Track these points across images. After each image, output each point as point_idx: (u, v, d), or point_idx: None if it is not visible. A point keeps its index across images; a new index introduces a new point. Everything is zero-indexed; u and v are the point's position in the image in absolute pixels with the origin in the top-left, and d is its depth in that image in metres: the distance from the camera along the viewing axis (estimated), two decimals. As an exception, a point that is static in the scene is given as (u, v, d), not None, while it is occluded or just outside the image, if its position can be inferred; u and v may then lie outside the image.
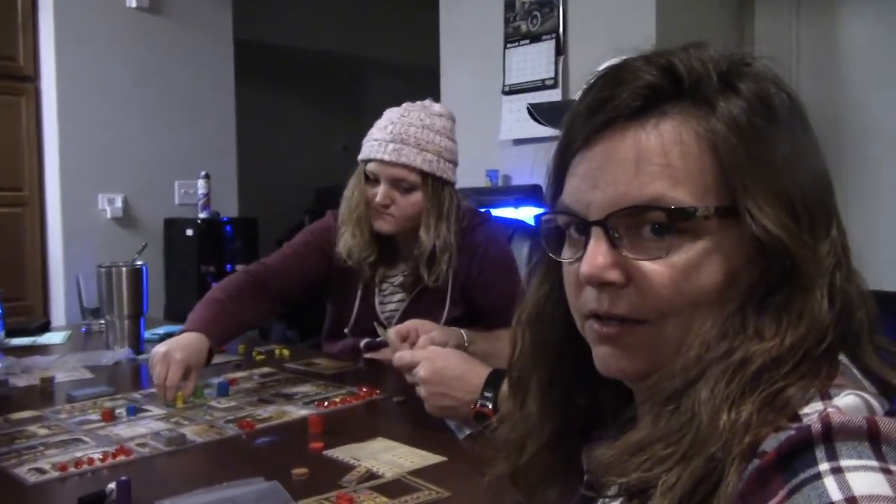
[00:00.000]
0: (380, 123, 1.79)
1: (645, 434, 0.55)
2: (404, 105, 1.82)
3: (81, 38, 3.98)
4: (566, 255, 0.63)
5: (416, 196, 1.75)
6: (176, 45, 4.29)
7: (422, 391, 1.25)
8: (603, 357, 0.61)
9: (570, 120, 0.63)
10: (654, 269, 0.57)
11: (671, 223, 0.56)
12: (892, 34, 3.00)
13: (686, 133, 0.57)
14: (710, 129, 0.57)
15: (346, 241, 1.79)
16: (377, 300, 1.86)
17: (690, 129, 0.57)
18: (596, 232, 0.58)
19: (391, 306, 1.86)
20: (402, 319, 1.71)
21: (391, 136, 1.74)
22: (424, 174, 1.74)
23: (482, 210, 2.08)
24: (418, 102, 1.84)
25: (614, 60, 1.44)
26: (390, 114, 1.80)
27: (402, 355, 1.30)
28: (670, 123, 0.57)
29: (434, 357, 1.27)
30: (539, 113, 1.35)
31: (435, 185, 1.76)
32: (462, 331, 1.54)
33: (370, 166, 1.76)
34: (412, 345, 1.40)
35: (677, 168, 0.56)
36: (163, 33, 4.24)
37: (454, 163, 1.82)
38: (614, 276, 0.58)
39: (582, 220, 0.60)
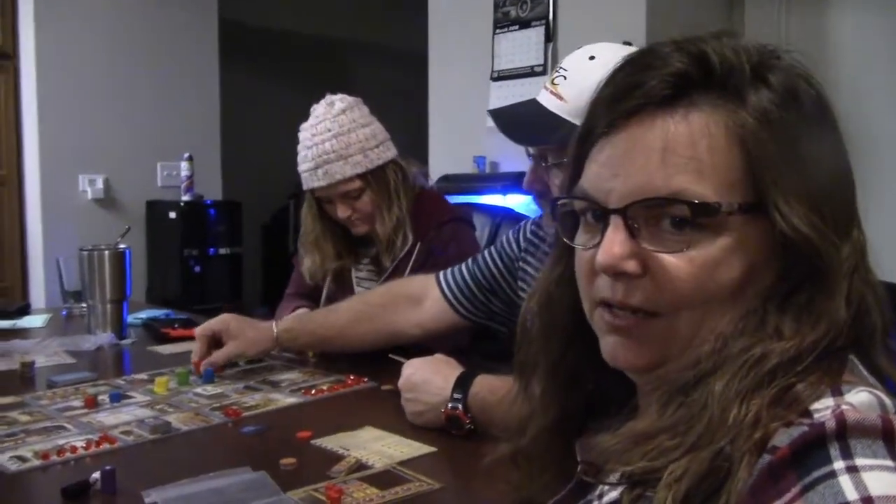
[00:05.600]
0: (300, 150, 1.87)
1: (651, 423, 0.54)
2: (311, 117, 1.88)
3: (62, 16, 3.91)
4: (580, 240, 0.62)
5: (367, 195, 1.85)
6: (159, 24, 4.23)
7: (402, 399, 1.27)
8: (612, 347, 0.60)
9: (594, 106, 0.61)
10: (673, 262, 0.56)
11: (693, 218, 0.55)
12: (880, 27, 3.00)
13: (715, 125, 0.55)
14: (740, 122, 0.56)
15: (308, 267, 1.95)
16: (354, 283, 1.96)
17: (720, 121, 0.56)
18: (615, 221, 0.57)
19: (361, 290, 1.94)
20: None
21: (314, 162, 1.83)
22: (361, 176, 1.83)
23: (463, 202, 2.14)
24: (322, 104, 1.89)
25: (590, 46, 1.40)
26: (303, 136, 1.87)
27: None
28: (699, 114, 0.56)
29: (413, 362, 1.29)
30: (515, 125, 1.30)
31: (376, 177, 1.85)
32: (274, 327, 1.59)
33: (316, 193, 1.88)
34: (217, 347, 1.53)
35: (704, 161, 0.55)
36: (146, 12, 4.18)
37: (380, 141, 1.88)
38: (631, 266, 0.56)
39: (601, 207, 0.58)
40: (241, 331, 1.56)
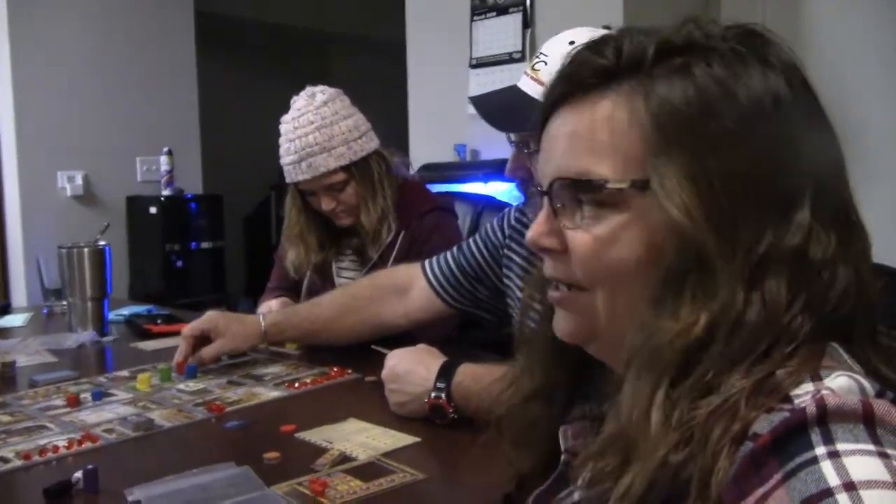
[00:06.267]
0: (282, 143, 1.86)
1: (597, 441, 0.57)
2: (292, 109, 1.87)
3: (36, 9, 3.85)
4: None
5: (352, 187, 1.84)
6: (136, 17, 4.19)
7: (385, 390, 1.28)
8: (555, 319, 0.66)
9: (544, 97, 0.66)
10: (576, 237, 0.60)
11: (592, 195, 0.59)
12: (857, 15, 3.02)
13: (619, 110, 0.58)
14: (640, 107, 0.57)
15: (292, 260, 1.95)
16: (335, 273, 1.96)
17: (624, 106, 0.58)
18: (545, 201, 0.63)
19: (344, 281, 1.94)
20: None
21: (297, 155, 1.82)
22: (345, 168, 1.82)
23: (444, 191, 2.14)
24: (302, 96, 1.88)
25: (569, 32, 1.41)
26: (285, 129, 1.86)
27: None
28: (607, 101, 0.59)
29: (396, 352, 1.30)
30: (493, 114, 1.32)
31: (360, 168, 1.84)
32: (261, 321, 1.59)
33: (300, 186, 1.87)
34: (206, 344, 1.53)
35: (603, 143, 0.58)
36: (122, 6, 4.14)
37: (362, 132, 1.87)
38: (550, 242, 0.62)
39: (539, 189, 0.64)
40: (228, 327, 1.55)
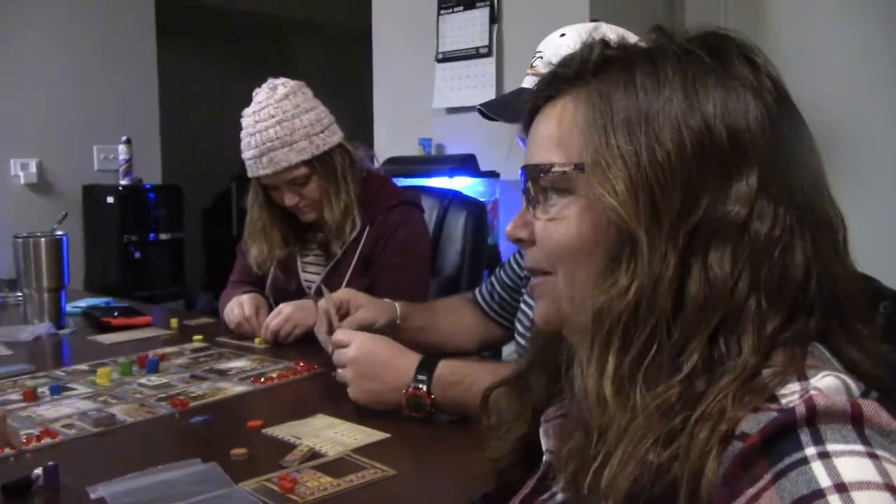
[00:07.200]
0: (243, 137, 1.82)
1: (572, 441, 0.59)
2: (253, 102, 1.84)
3: (-11, -7, 3.74)
4: None
5: (314, 181, 1.82)
6: (94, 1, 4.09)
7: (348, 373, 1.23)
8: (534, 309, 0.70)
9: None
10: (539, 224, 0.65)
11: (548, 180, 0.63)
12: (818, 17, 3.08)
13: (567, 106, 0.64)
14: (583, 99, 0.63)
15: (255, 256, 1.91)
16: (300, 268, 1.93)
17: (571, 103, 0.64)
18: (523, 198, 0.67)
19: (309, 276, 1.92)
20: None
21: (258, 149, 1.78)
22: (307, 162, 1.79)
23: (410, 185, 2.12)
24: (264, 89, 1.84)
25: (570, 28, 1.50)
26: (246, 122, 1.82)
27: (338, 333, 1.28)
28: (560, 101, 0.65)
29: (367, 338, 1.26)
30: (492, 110, 1.40)
31: (322, 162, 1.82)
32: (396, 304, 1.52)
33: (262, 181, 1.84)
34: (343, 317, 1.42)
35: (554, 136, 0.64)
36: (79, -11, 4.03)
37: (325, 126, 1.84)
38: (522, 233, 0.67)
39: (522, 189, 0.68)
40: (369, 300, 1.49)
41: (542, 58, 1.37)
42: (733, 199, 0.55)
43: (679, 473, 0.49)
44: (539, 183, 0.64)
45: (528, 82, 1.38)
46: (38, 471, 0.96)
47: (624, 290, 0.56)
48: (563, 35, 1.37)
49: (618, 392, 0.54)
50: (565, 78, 0.65)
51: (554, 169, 0.62)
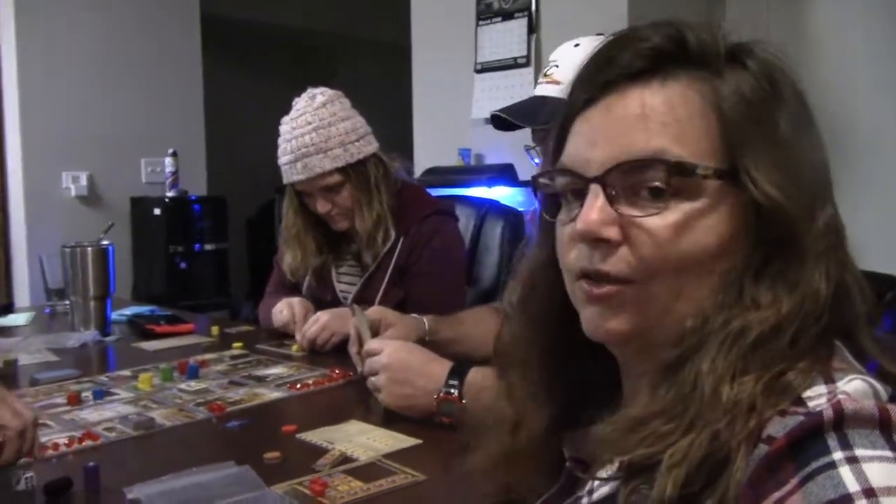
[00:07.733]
0: (280, 143, 1.85)
1: (644, 407, 0.54)
2: (292, 110, 1.87)
3: (42, 10, 3.87)
4: (561, 216, 0.62)
5: (347, 189, 1.83)
6: (141, 18, 4.20)
7: (381, 379, 1.24)
8: (590, 318, 0.59)
9: (573, 84, 0.62)
10: (650, 225, 0.56)
11: (670, 179, 0.55)
12: (860, 23, 3.02)
13: (693, 93, 0.57)
14: (717, 93, 0.56)
15: (289, 263, 1.92)
16: (335, 279, 1.94)
17: (697, 90, 0.57)
18: (594, 189, 0.57)
19: (343, 287, 1.93)
20: (357, 300, 1.80)
21: (293, 154, 1.81)
22: (341, 169, 1.80)
23: (448, 195, 2.13)
24: (303, 97, 1.87)
25: (584, 39, 1.52)
26: (284, 129, 1.85)
27: (371, 342, 1.31)
28: (676, 84, 0.57)
29: (400, 345, 1.28)
30: (510, 114, 1.41)
31: (356, 170, 1.83)
32: (424, 319, 1.53)
33: (296, 187, 1.86)
34: (373, 336, 1.42)
35: (683, 125, 0.56)
36: (128, 7, 4.14)
37: (360, 135, 1.86)
38: (610, 232, 0.56)
39: (580, 176, 0.58)
40: (398, 318, 1.51)
41: (557, 66, 1.38)
42: (827, 221, 0.56)
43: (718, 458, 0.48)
44: (636, 177, 0.56)
45: (541, 89, 1.40)
46: (79, 472, 0.99)
47: (775, 306, 0.52)
48: (577, 45, 1.39)
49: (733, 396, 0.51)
50: (675, 58, 0.58)
51: (699, 171, 0.55)
